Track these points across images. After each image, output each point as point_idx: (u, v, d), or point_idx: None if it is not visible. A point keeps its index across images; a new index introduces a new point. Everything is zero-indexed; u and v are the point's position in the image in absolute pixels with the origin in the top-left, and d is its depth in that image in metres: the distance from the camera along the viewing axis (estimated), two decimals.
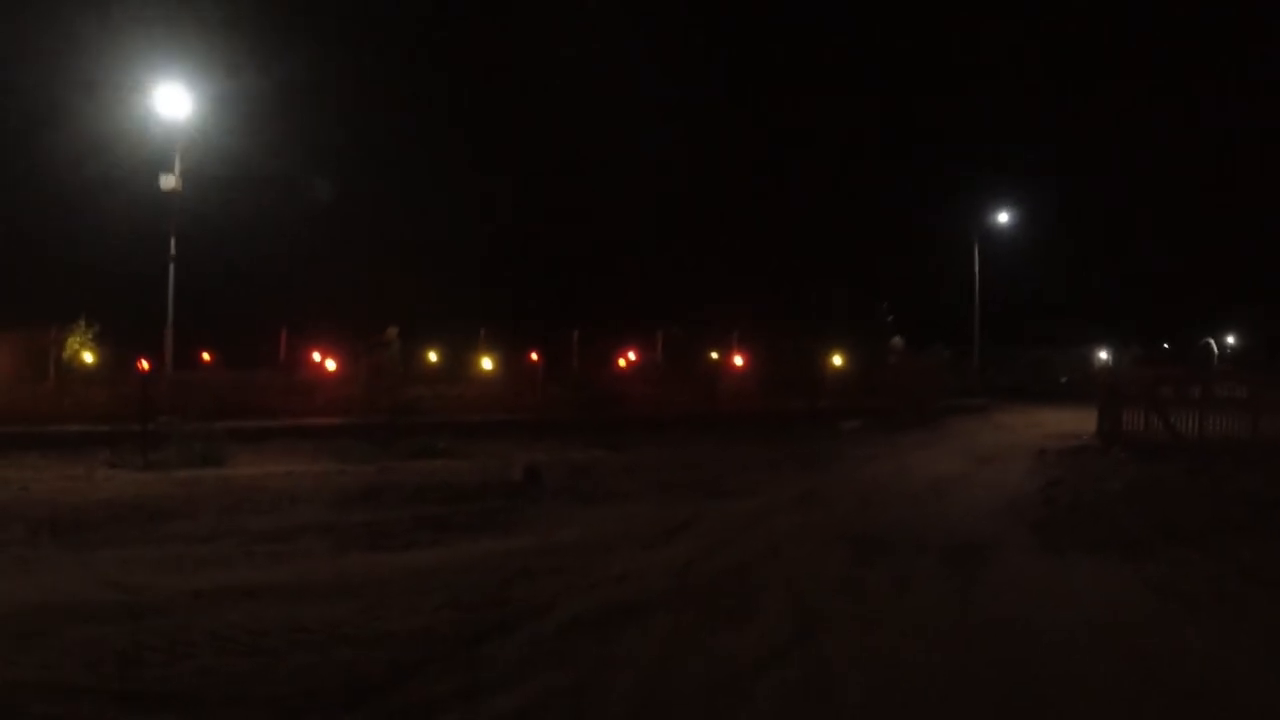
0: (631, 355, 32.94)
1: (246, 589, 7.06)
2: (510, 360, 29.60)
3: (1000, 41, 66.77)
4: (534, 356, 33.65)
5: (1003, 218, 30.24)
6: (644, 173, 48.44)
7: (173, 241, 22.58)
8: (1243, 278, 57.05)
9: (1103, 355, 63.07)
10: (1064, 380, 57.09)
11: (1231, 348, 64.45)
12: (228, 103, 26.81)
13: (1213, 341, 62.04)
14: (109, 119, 26.62)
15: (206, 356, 32.93)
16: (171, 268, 22.76)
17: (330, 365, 23.78)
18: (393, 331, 34.51)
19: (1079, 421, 24.05)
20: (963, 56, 67.40)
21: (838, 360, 26.66)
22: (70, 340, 22.23)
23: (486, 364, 25.38)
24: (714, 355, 28.93)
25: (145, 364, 20.28)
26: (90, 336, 22.94)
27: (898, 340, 34.93)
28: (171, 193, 21.91)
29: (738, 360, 26.14)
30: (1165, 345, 61.48)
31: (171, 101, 21.95)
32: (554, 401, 21.98)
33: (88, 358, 22.73)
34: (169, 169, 22.03)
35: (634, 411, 21.73)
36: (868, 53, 69.41)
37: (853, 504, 11.34)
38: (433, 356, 33.23)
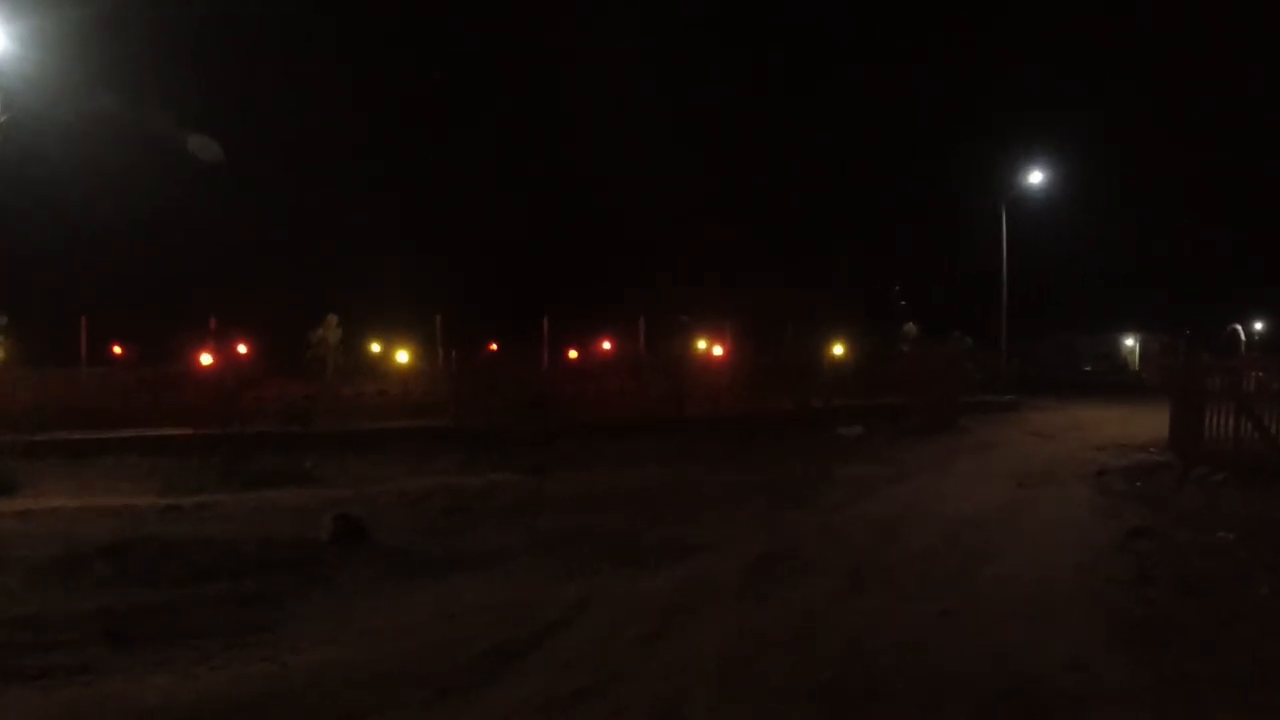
0: (606, 345, 28.90)
1: None
2: (465, 353, 25.56)
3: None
4: (493, 348, 29.77)
5: (1035, 178, 25.69)
6: (628, 133, 44.14)
7: None
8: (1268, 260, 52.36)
9: (1129, 342, 58.83)
10: (1088, 369, 53.01)
11: (1259, 333, 60.10)
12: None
13: (1240, 327, 57.76)
14: None
15: (118, 350, 29.03)
16: None
17: (205, 359, 19.42)
18: (331, 321, 30.61)
19: (1128, 423, 19.83)
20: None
21: (839, 350, 22.40)
22: None
23: (403, 357, 21.10)
24: (701, 344, 24.76)
25: None
26: None
27: (911, 327, 30.65)
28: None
29: (716, 350, 21.94)
30: (1187, 331, 57.23)
31: None
32: (487, 404, 17.84)
33: None
34: None
35: (583, 416, 17.62)
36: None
37: (836, 583, 7.17)
38: (375, 348, 29.21)
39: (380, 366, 28.73)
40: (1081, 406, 24.69)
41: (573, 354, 24.50)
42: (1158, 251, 56.75)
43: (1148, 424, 19.26)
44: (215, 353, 26.09)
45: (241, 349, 28.71)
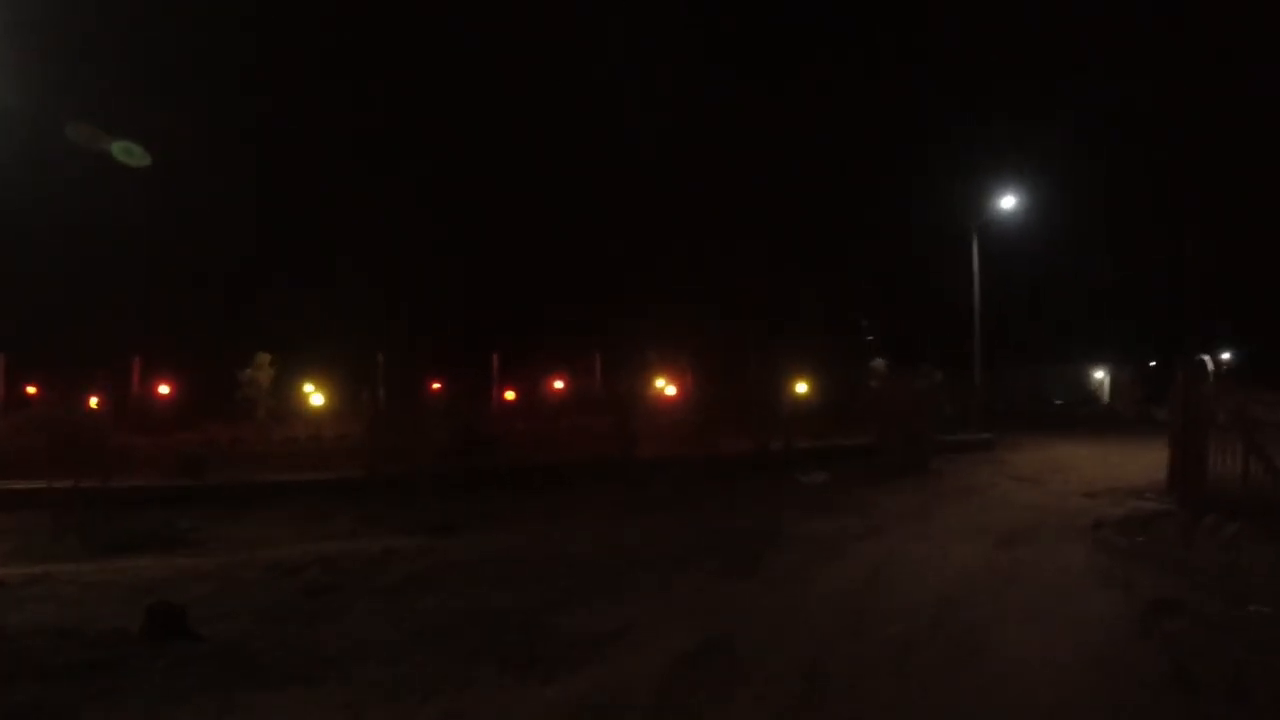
0: (559, 384, 27.15)
1: None
2: (403, 391, 23.76)
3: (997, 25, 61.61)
4: (435, 386, 27.95)
5: (1007, 202, 24.25)
6: (583, 152, 42.59)
7: None
8: (1230, 290, 51.57)
9: (1098, 374, 57.77)
10: (1058, 402, 51.76)
11: (1226, 364, 59.33)
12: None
13: (1208, 358, 56.86)
14: None
15: (32, 390, 26.85)
16: None
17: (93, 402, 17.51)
18: (263, 360, 28.62)
19: (1113, 463, 18.33)
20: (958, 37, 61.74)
21: (802, 387, 20.79)
22: None
23: (317, 399, 19.19)
24: (660, 381, 23.09)
25: None
26: None
27: (880, 362, 29.21)
28: None
29: (669, 389, 20.27)
30: (1152, 364, 56.47)
31: None
32: (412, 449, 16.00)
33: None
34: None
35: (522, 460, 15.83)
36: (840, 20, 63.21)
37: (785, 694, 5.43)
38: (308, 389, 27.23)
39: (319, 408, 26.81)
40: (1059, 444, 23.20)
41: (510, 394, 22.66)
42: (1125, 281, 55.95)
43: (1135, 464, 17.78)
44: (121, 393, 24.19)
45: (163, 389, 26.77)
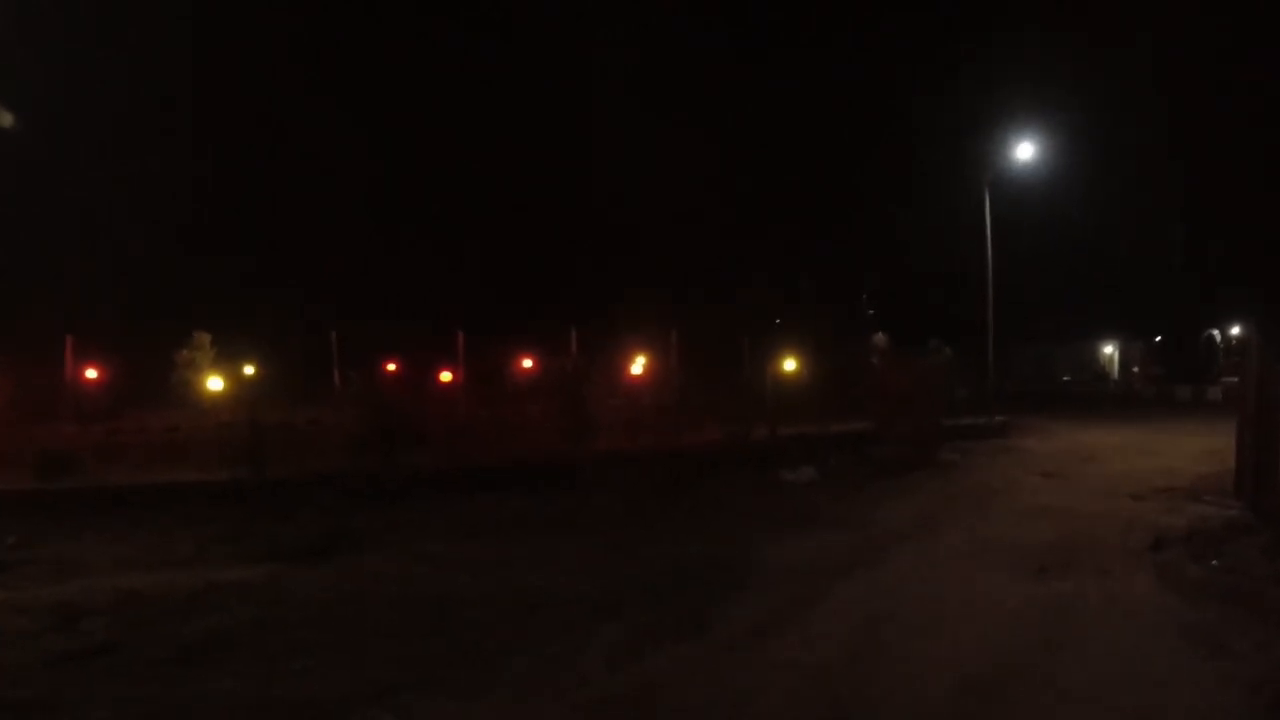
0: (528, 364, 24.60)
1: None
2: (363, 375, 21.26)
3: None
4: (390, 368, 25.42)
5: (1021, 153, 21.42)
6: (566, 116, 39.84)
7: None
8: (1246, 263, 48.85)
9: (1107, 350, 55.12)
10: (1066, 379, 49.19)
11: (1236, 339, 56.64)
12: None
13: (1217, 333, 54.30)
14: None
15: None
16: None
17: None
18: (202, 340, 26.16)
19: (1151, 451, 15.80)
20: None
21: (791, 366, 18.25)
22: None
23: (214, 384, 16.57)
24: (639, 360, 20.53)
25: None
26: None
27: (881, 338, 26.64)
28: None
29: (638, 370, 17.78)
30: (1158, 339, 53.96)
31: None
32: (325, 443, 13.54)
33: None
34: None
35: (447, 459, 13.34)
36: None
37: None
38: (249, 371, 24.70)
39: (265, 392, 24.35)
40: (1081, 427, 20.74)
41: (447, 376, 20.14)
42: (1134, 254, 53.28)
43: (1175, 453, 15.32)
44: (52, 379, 21.82)
45: (91, 373, 24.30)
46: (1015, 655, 5.65)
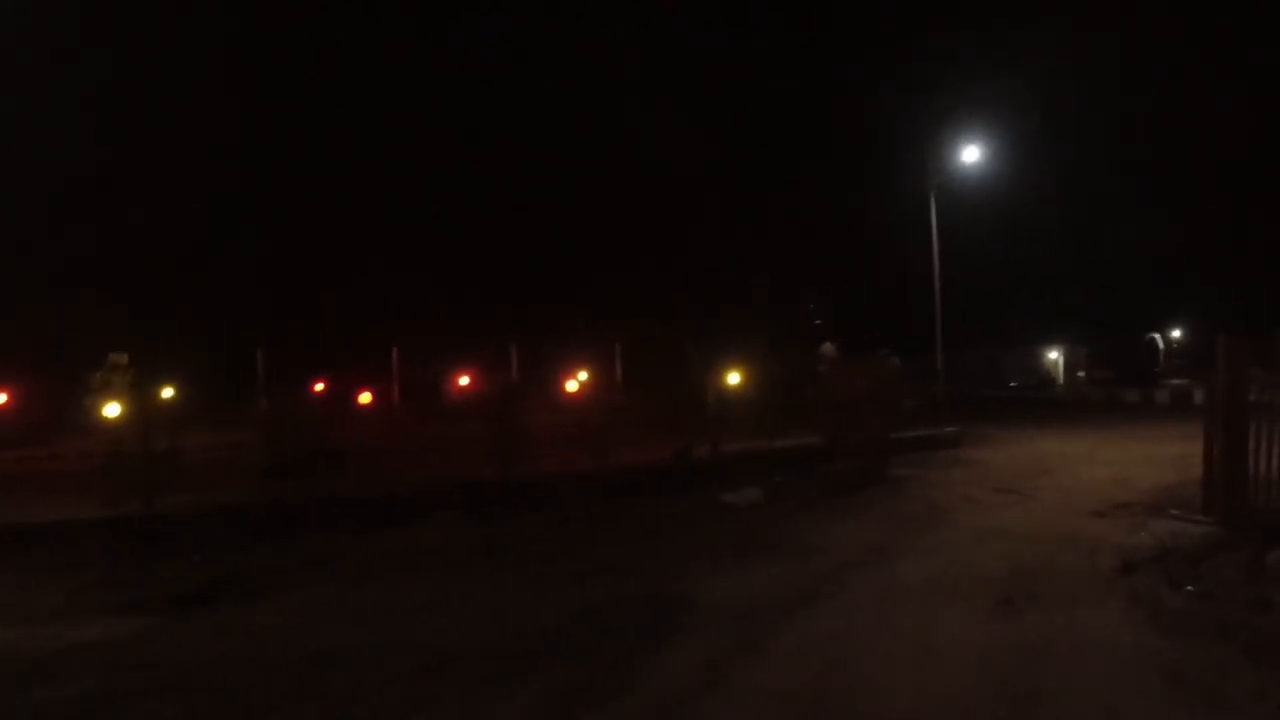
0: (465, 380, 23.57)
1: None
2: (280, 395, 20.06)
3: None
4: (318, 387, 24.24)
5: (967, 156, 20.92)
6: (504, 121, 38.73)
7: None
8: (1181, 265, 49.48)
9: (1052, 354, 55.24)
10: (1012, 384, 49.09)
11: (1178, 341, 57.19)
12: None
13: (1158, 336, 54.78)
14: None
15: None
16: None
17: None
18: (119, 360, 24.66)
19: (1105, 459, 15.32)
20: None
21: (735, 378, 17.47)
22: None
23: (111, 410, 15.35)
24: (579, 375, 19.62)
25: None
26: None
27: (829, 347, 26.00)
28: None
29: (573, 385, 16.90)
30: (1100, 342, 54.33)
31: None
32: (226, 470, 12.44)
33: None
34: None
35: (375, 483, 12.33)
36: None
37: None
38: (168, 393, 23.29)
39: (188, 416, 22.95)
40: (1034, 435, 20.22)
41: (366, 396, 19.12)
42: (1078, 255, 53.69)
43: (1133, 462, 14.80)
44: None
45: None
46: (986, 711, 4.86)
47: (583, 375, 21.61)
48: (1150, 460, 14.66)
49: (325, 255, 33.73)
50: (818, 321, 41.80)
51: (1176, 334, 57.28)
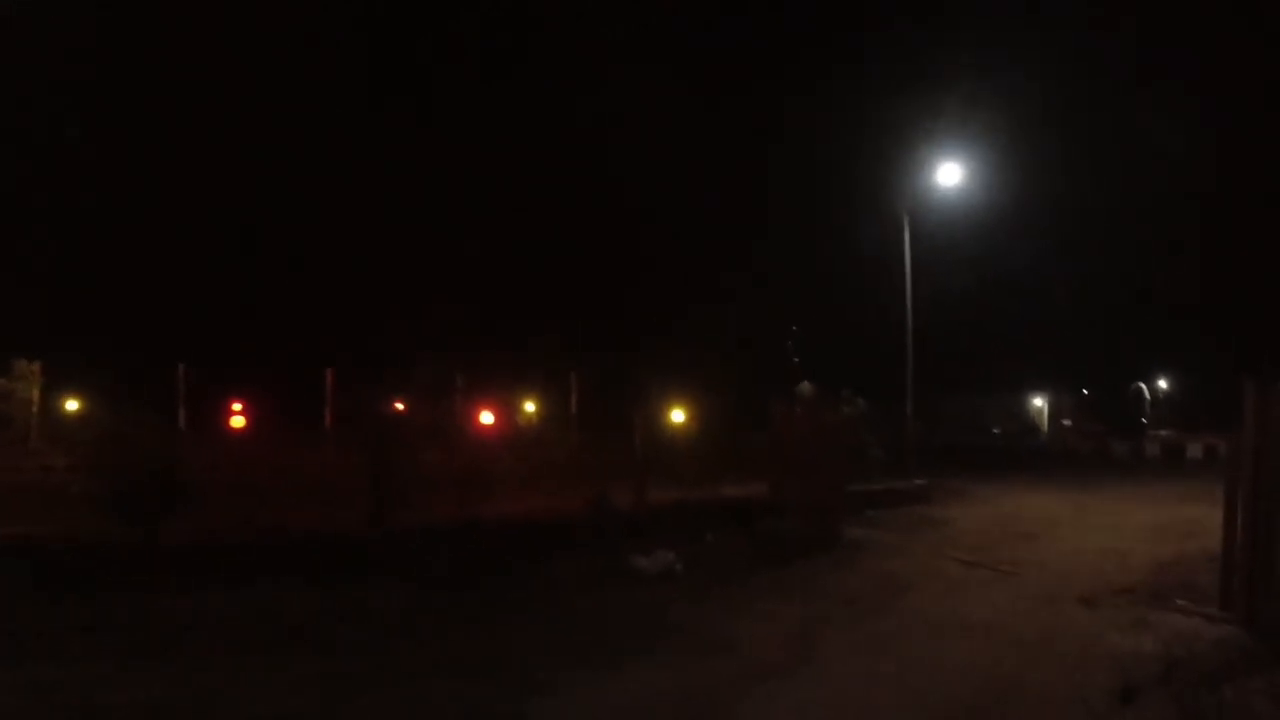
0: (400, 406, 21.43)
1: None
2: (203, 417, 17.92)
3: None
4: (236, 408, 22.08)
5: (945, 177, 18.91)
6: (438, 134, 36.38)
7: None
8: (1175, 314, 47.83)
9: (1036, 401, 53.41)
10: (995, 431, 47.12)
11: (1165, 392, 55.57)
12: None
13: (1144, 385, 53.14)
14: None
15: None
16: None
17: None
18: (26, 369, 22.50)
19: (1096, 525, 13.27)
20: None
21: (679, 417, 15.42)
22: None
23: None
24: (488, 411, 17.52)
25: None
26: None
27: (807, 386, 24.00)
28: None
29: (485, 418, 14.84)
30: (1084, 391, 52.73)
31: None
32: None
33: None
34: None
35: (215, 529, 10.18)
36: None
37: None
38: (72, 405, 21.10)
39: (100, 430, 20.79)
40: (1015, 491, 18.19)
41: (239, 420, 17.01)
42: (1062, 302, 52.02)
43: (1128, 527, 12.81)
44: None
45: None
46: None
47: (529, 407, 19.58)
48: (1146, 527, 12.69)
49: (271, 264, 31.57)
50: (795, 359, 39.63)
51: (1163, 384, 55.77)
